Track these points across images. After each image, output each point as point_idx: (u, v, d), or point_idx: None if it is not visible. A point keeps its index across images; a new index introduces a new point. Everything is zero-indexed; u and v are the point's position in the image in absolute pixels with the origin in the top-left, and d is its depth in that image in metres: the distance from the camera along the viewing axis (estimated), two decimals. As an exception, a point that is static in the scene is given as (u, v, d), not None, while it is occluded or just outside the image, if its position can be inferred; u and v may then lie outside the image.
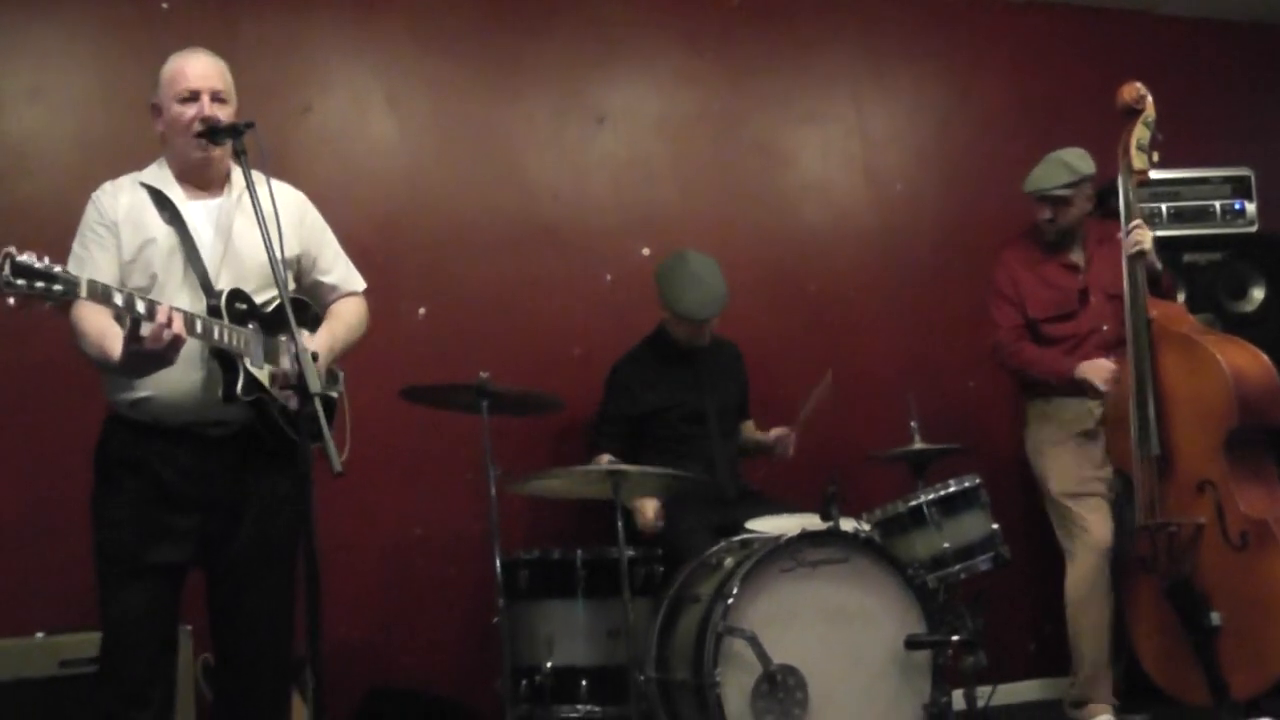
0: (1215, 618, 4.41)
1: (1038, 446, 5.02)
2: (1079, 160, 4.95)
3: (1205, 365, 4.53)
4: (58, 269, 2.79)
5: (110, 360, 3.06)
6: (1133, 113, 4.77)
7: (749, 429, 5.13)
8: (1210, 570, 4.47)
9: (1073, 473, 4.90)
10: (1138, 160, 4.73)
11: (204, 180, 3.39)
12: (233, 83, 3.40)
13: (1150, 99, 4.76)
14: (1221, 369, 4.49)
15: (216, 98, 3.31)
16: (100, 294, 2.88)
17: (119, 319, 3.09)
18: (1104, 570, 4.77)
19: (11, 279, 2.71)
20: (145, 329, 2.92)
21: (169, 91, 3.32)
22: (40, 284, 2.75)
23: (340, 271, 3.65)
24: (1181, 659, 4.55)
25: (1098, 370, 4.77)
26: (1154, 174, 4.86)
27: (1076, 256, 5.03)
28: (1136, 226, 4.68)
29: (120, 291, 2.94)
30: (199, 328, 3.07)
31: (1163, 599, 4.58)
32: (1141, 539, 4.66)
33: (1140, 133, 4.73)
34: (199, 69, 3.33)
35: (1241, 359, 4.55)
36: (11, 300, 2.74)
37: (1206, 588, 4.46)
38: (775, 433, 4.92)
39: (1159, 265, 4.79)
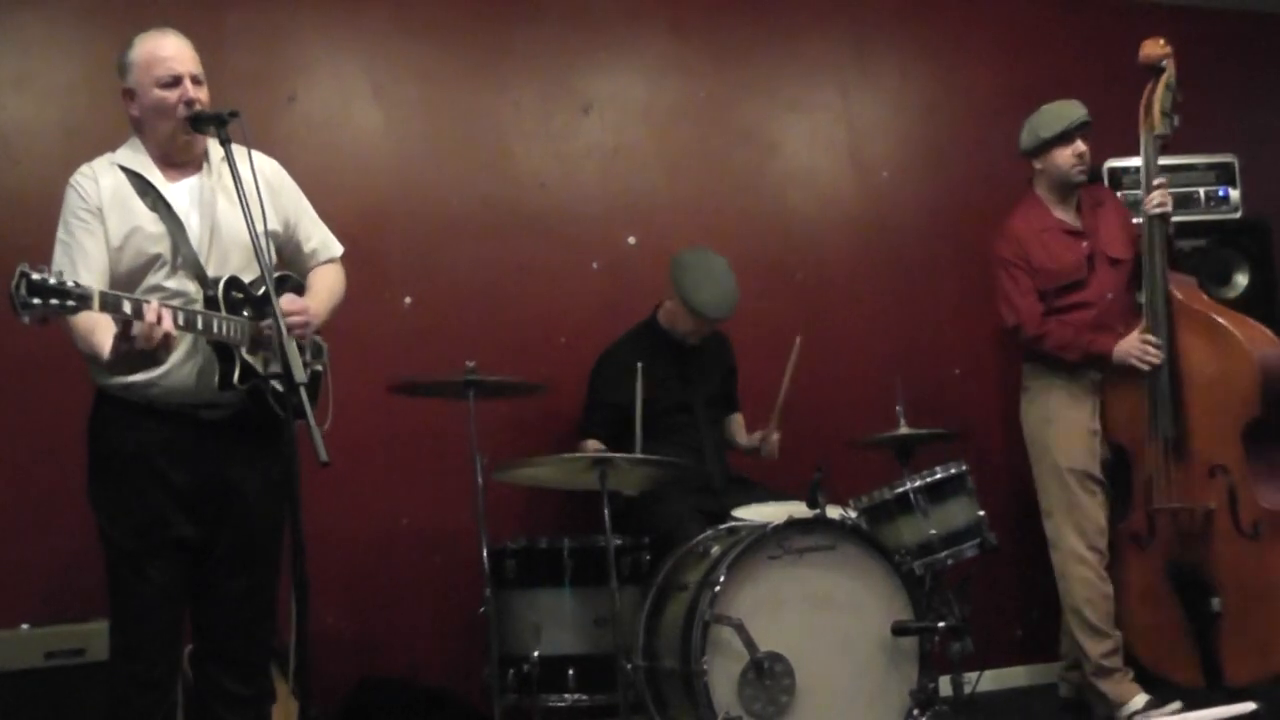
0: (1216, 603, 4.42)
1: (1046, 415, 4.85)
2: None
3: (1231, 350, 4.50)
4: (70, 284, 2.78)
5: (100, 356, 3.04)
6: (1156, 71, 4.68)
7: (737, 429, 5.12)
8: (1216, 556, 4.47)
9: (1085, 452, 4.77)
10: (1160, 124, 4.67)
11: (184, 160, 3.37)
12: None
13: (1173, 59, 4.65)
14: (1250, 356, 4.46)
15: (195, 80, 3.30)
16: (111, 305, 2.88)
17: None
18: (1090, 556, 4.71)
19: (28, 299, 2.71)
20: (135, 328, 2.91)
21: (146, 76, 3.29)
22: (55, 301, 2.74)
23: (319, 237, 3.64)
24: (1169, 639, 4.55)
25: (1138, 350, 4.61)
26: (1138, 161, 4.87)
27: (1076, 221, 4.92)
28: (1160, 186, 4.66)
29: (130, 299, 2.94)
30: (199, 324, 3.07)
31: (1155, 577, 4.58)
32: (1137, 517, 4.65)
33: (1163, 94, 4.65)
34: (176, 51, 3.31)
35: (1266, 346, 4.52)
36: (27, 319, 2.74)
37: (1210, 573, 4.46)
38: (755, 435, 4.92)
39: (1171, 230, 4.77)
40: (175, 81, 3.27)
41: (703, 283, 4.71)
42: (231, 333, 3.14)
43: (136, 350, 2.94)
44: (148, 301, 2.95)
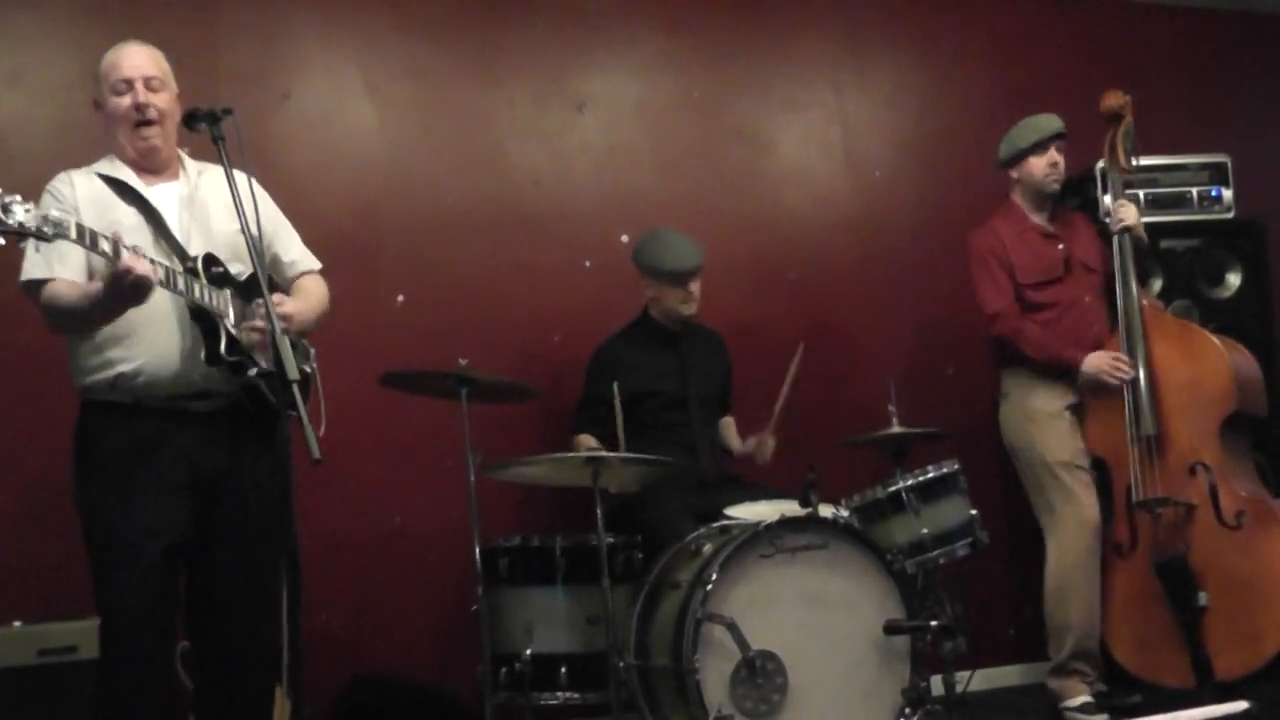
0: (1203, 598, 4.51)
1: (1027, 415, 4.91)
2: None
3: (1205, 351, 4.69)
4: (53, 213, 2.87)
5: (92, 296, 3.06)
6: (1116, 118, 4.95)
7: (729, 433, 5.12)
8: (1199, 551, 4.56)
9: (1068, 443, 4.84)
10: (1124, 162, 4.92)
11: (155, 167, 3.43)
12: (169, 69, 3.44)
13: (1130, 108, 4.94)
14: (1223, 355, 4.65)
15: (149, 85, 3.35)
16: (89, 239, 2.93)
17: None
18: (1094, 544, 4.74)
19: (3, 219, 2.75)
20: (122, 263, 2.96)
21: (105, 84, 3.37)
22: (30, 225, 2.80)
23: (297, 249, 3.68)
24: (1158, 643, 4.60)
25: (1109, 364, 4.72)
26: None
27: (1051, 228, 5.03)
28: (1122, 205, 4.85)
29: (105, 238, 2.98)
30: (181, 284, 3.11)
31: (1141, 581, 4.64)
32: (1119, 528, 4.69)
33: (1123, 138, 4.92)
34: (131, 59, 3.37)
35: (1234, 349, 4.74)
36: (2, 240, 2.78)
37: (1196, 568, 4.54)
38: (750, 441, 4.94)
39: (1145, 238, 4.94)
40: (128, 86, 3.34)
41: (662, 248, 4.80)
42: (213, 301, 3.17)
43: (123, 288, 2.97)
44: (131, 248, 3.00)
